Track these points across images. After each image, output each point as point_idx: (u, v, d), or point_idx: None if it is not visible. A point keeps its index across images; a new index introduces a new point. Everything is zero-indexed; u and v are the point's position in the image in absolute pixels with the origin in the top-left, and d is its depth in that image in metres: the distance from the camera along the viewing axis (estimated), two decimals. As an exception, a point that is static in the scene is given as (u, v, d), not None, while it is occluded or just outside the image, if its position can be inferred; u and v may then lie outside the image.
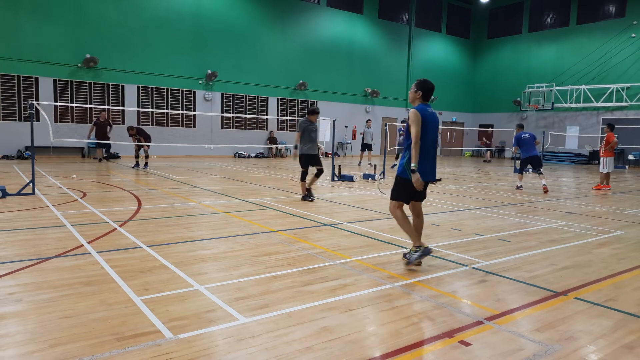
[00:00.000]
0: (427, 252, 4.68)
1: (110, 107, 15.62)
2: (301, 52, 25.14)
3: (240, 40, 22.95)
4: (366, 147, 19.91)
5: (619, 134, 25.40)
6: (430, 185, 5.25)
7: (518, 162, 14.39)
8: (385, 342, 3.05)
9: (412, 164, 4.53)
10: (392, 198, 4.86)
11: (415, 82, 4.84)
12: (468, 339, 3.10)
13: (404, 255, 4.88)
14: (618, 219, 8.11)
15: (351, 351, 2.90)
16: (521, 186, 12.20)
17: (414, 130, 4.56)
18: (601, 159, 12.99)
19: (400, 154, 17.65)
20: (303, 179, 9.10)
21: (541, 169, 11.99)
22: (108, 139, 17.87)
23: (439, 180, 4.92)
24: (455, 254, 5.29)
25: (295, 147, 9.07)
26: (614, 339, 3.19)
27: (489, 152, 26.44)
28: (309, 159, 9.05)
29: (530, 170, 18.64)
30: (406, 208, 4.93)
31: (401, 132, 19.36)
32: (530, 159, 12.07)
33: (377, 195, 10.12)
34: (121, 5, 19.76)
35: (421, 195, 4.87)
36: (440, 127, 4.80)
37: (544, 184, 11.62)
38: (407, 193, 4.76)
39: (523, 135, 12.25)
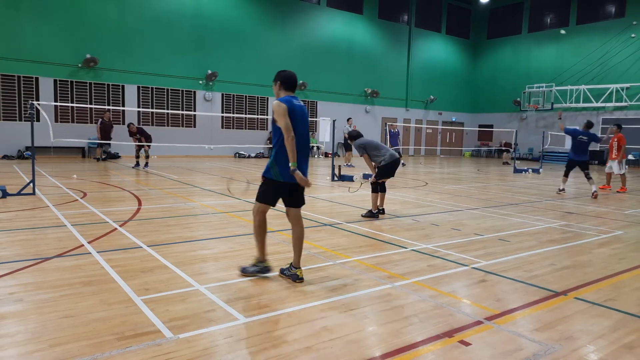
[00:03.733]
0: (265, 271, 4.24)
1: (111, 107, 15.64)
2: (301, 52, 25.15)
3: (240, 40, 22.95)
4: (350, 146, 18.30)
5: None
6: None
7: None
8: (385, 342, 3.05)
9: (291, 163, 3.96)
10: (256, 199, 4.24)
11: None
12: (468, 339, 3.11)
13: (246, 269, 4.29)
14: (618, 219, 8.12)
15: (351, 351, 2.90)
16: (564, 189, 11.32)
17: (283, 123, 4.01)
18: (620, 161, 12.49)
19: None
20: (377, 190, 7.62)
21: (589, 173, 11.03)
22: (110, 139, 17.95)
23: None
24: (455, 254, 5.30)
25: (376, 176, 7.49)
26: (613, 338, 3.19)
27: (508, 154, 24.91)
28: (392, 168, 7.59)
29: (530, 170, 18.66)
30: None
31: (393, 132, 19.19)
32: (579, 162, 11.00)
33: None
34: (121, 5, 19.76)
35: (297, 201, 4.26)
36: (314, 123, 4.15)
37: (595, 191, 10.79)
38: (274, 196, 4.19)
39: (579, 137, 10.85)
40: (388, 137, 18.93)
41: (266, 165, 4.20)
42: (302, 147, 4.17)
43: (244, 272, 4.28)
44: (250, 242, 5.60)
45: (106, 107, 14.87)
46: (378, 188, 7.58)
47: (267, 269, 4.30)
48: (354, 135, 7.81)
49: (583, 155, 10.95)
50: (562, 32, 23.91)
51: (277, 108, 4.08)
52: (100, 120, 17.98)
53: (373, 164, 7.58)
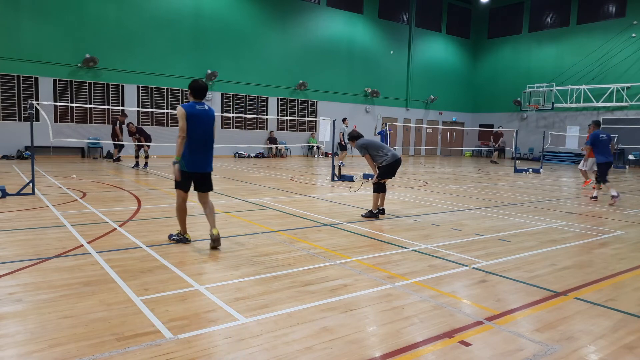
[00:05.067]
0: (184, 241, 5.45)
1: (110, 107, 15.61)
2: (301, 52, 25.14)
3: (240, 40, 22.94)
4: (346, 147, 17.68)
5: (618, 134, 25.51)
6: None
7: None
8: (385, 342, 3.05)
9: (175, 157, 5.14)
10: (175, 187, 5.38)
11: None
12: (468, 339, 3.10)
13: (172, 235, 5.57)
14: (618, 219, 8.11)
15: (351, 351, 2.90)
16: (596, 197, 10.50)
17: (179, 124, 5.14)
18: (586, 158, 12.76)
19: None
20: (378, 190, 7.59)
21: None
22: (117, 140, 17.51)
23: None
24: (455, 254, 5.29)
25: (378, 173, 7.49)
26: (614, 339, 3.19)
27: (496, 153, 25.06)
28: (393, 167, 7.57)
29: (531, 170, 18.63)
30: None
31: (386, 132, 19.00)
32: (609, 164, 10.17)
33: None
34: (121, 5, 19.75)
35: (203, 187, 5.33)
36: (211, 124, 5.40)
37: (614, 195, 9.85)
38: (184, 182, 5.25)
39: (601, 136, 10.29)
40: (380, 135, 18.61)
41: (175, 158, 5.24)
42: (202, 144, 5.23)
43: (170, 237, 5.53)
44: (250, 242, 5.60)
45: (106, 107, 14.80)
46: (380, 188, 7.59)
47: (185, 239, 5.47)
48: (355, 136, 7.81)
49: (610, 155, 10.23)
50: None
51: (177, 112, 5.15)
52: (117, 122, 17.57)
53: (374, 164, 7.57)
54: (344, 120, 19.93)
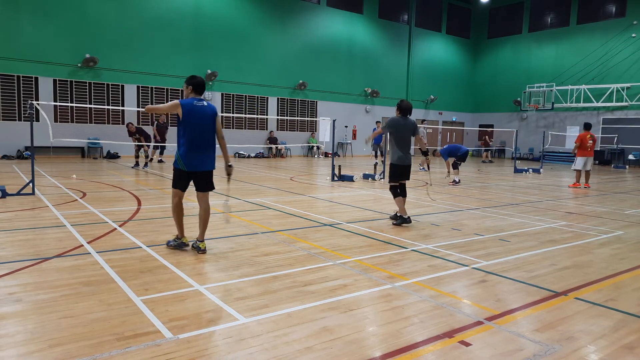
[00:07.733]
0: (182, 246, 5.14)
1: (110, 107, 15.61)
2: (301, 52, 25.14)
3: (240, 40, 22.95)
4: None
5: (618, 134, 25.56)
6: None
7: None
8: (385, 342, 3.05)
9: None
10: (172, 186, 5.11)
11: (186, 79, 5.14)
12: (468, 339, 3.10)
13: (169, 242, 5.23)
14: (618, 219, 8.11)
15: (351, 351, 2.90)
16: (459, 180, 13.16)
17: (160, 106, 5.08)
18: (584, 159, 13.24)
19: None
20: (398, 194, 7.01)
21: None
22: (165, 140, 16.88)
23: (211, 170, 5.08)
24: (455, 254, 5.29)
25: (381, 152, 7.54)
26: (614, 339, 3.19)
27: (485, 153, 25.77)
28: (404, 171, 7.03)
29: (531, 170, 18.70)
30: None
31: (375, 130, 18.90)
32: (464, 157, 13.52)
33: (377, 195, 10.12)
34: (121, 5, 19.75)
35: (202, 186, 5.07)
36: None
37: (457, 180, 12.98)
38: (182, 182, 5.03)
39: (455, 147, 13.56)
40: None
41: (174, 158, 5.05)
42: (201, 141, 4.96)
43: (168, 244, 5.21)
44: (250, 242, 5.59)
45: (106, 107, 14.76)
46: (399, 191, 7.00)
47: (183, 244, 5.15)
48: (407, 107, 6.96)
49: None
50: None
51: (172, 102, 4.96)
52: (155, 122, 17.26)
53: (381, 156, 7.39)
54: (377, 123, 19.78)
